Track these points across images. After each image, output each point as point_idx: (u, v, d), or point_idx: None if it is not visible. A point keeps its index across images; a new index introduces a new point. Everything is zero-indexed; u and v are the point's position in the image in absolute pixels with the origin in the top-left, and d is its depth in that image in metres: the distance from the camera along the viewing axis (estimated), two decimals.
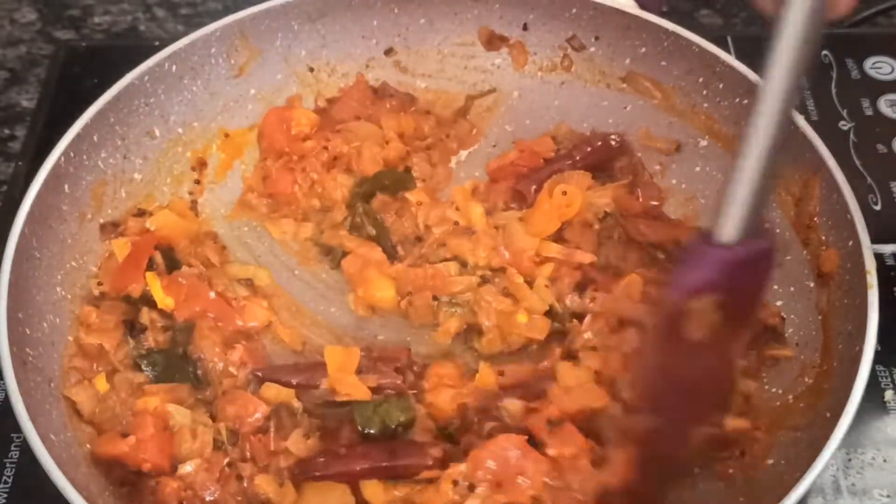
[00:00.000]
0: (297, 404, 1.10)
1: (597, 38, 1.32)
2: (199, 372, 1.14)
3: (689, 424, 0.98)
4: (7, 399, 0.97)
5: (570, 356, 1.13)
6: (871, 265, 1.04)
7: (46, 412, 1.02)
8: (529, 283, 1.18)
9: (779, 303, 1.16)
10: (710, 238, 0.87)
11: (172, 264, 1.20)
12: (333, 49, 1.35)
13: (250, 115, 1.33)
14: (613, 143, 1.30)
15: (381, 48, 1.37)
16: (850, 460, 1.12)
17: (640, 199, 1.28)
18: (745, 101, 1.21)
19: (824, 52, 1.51)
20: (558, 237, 1.22)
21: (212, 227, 1.29)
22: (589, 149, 1.29)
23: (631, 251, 1.22)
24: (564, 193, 1.21)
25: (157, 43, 1.32)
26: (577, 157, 1.28)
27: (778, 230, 1.19)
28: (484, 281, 1.19)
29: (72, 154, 1.15)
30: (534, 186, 1.25)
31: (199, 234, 1.26)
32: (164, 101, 1.26)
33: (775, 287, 1.17)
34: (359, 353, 1.14)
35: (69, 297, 1.14)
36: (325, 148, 1.30)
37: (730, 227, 0.86)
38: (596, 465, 1.02)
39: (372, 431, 1.08)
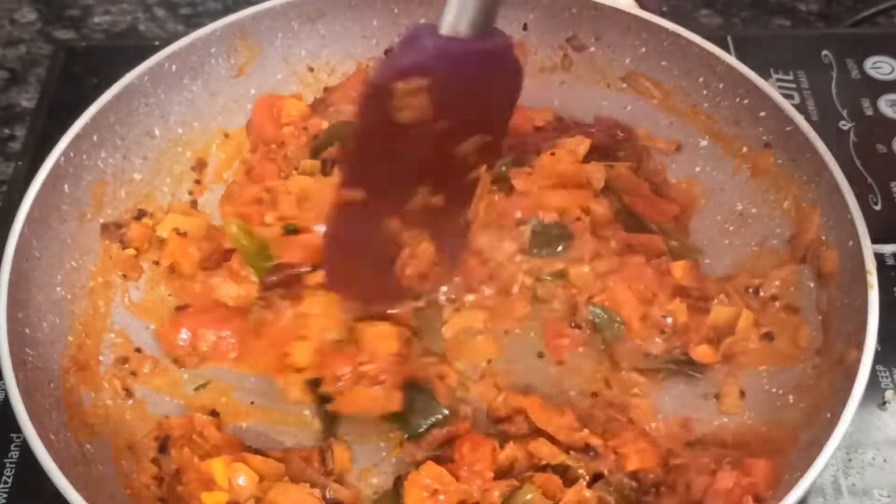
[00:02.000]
0: None
1: (597, 38, 1.32)
2: None
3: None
4: (7, 399, 0.97)
5: None
6: (871, 265, 1.04)
7: (46, 412, 1.02)
8: None
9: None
10: (434, 28, 0.88)
11: None
12: (333, 49, 1.35)
13: (250, 114, 1.33)
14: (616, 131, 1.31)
15: (380, 48, 1.36)
16: (850, 460, 1.12)
17: (646, 180, 1.28)
18: (746, 101, 1.21)
19: (824, 51, 1.51)
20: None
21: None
22: (590, 130, 1.31)
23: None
24: (553, 154, 1.24)
25: (157, 43, 1.32)
26: (574, 133, 1.30)
27: (778, 230, 1.19)
28: None
29: (72, 154, 1.15)
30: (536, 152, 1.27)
31: (208, 228, 1.25)
32: (164, 101, 1.25)
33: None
34: None
35: (69, 297, 1.14)
36: (305, 129, 1.29)
37: (453, 19, 0.88)
38: None
39: None
